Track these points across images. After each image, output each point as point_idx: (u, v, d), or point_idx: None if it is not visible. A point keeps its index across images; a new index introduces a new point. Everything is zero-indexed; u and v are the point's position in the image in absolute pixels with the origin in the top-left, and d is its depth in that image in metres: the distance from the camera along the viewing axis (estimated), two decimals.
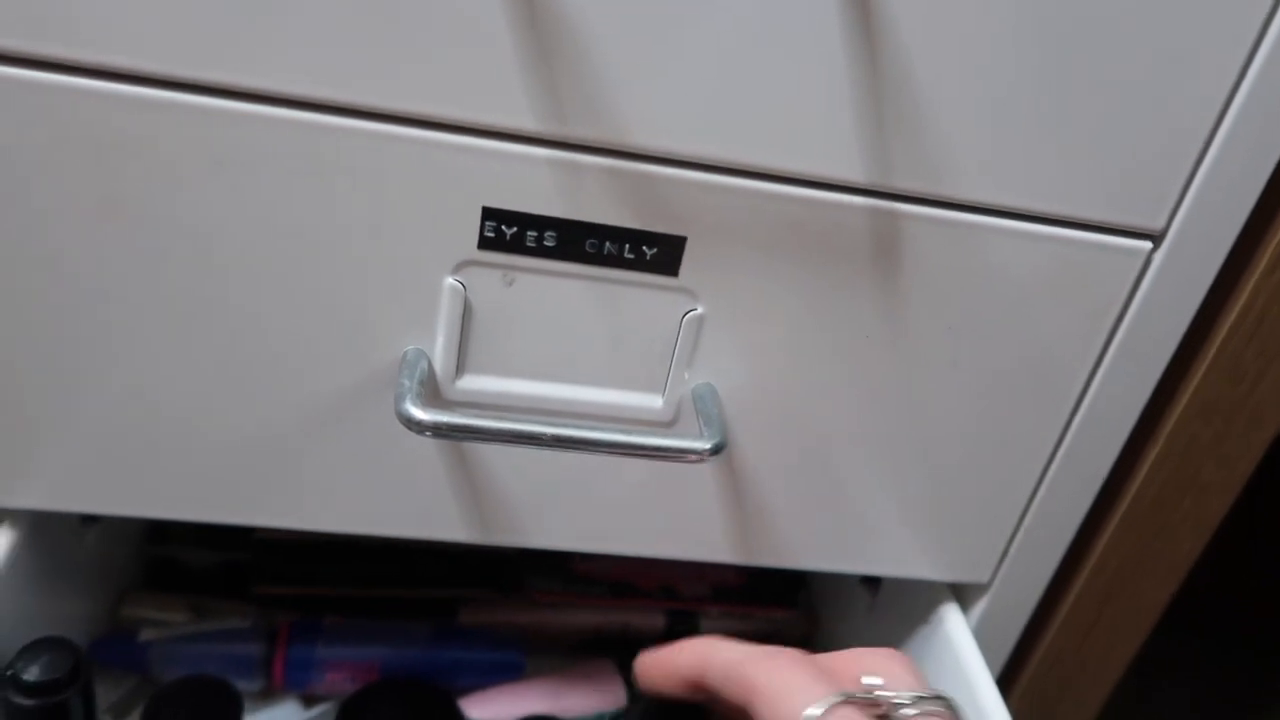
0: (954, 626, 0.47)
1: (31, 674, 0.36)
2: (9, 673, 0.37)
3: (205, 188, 0.32)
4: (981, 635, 0.48)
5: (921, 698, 0.30)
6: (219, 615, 0.55)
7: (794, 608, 0.62)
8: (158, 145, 0.32)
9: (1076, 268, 0.38)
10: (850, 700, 0.28)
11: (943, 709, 0.30)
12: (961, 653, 0.46)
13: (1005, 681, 0.54)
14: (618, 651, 0.58)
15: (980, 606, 0.48)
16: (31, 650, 0.37)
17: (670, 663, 0.34)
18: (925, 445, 0.42)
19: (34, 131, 0.31)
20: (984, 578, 0.47)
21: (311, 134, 0.32)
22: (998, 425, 0.42)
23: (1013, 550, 0.46)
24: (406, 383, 0.35)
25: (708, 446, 0.35)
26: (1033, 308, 0.38)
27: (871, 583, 0.56)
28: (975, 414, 0.41)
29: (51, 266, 0.33)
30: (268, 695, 0.52)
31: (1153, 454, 0.45)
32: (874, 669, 0.31)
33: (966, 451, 0.42)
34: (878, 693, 0.29)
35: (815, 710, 0.28)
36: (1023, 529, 0.45)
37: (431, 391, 0.37)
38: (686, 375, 0.38)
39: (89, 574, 0.49)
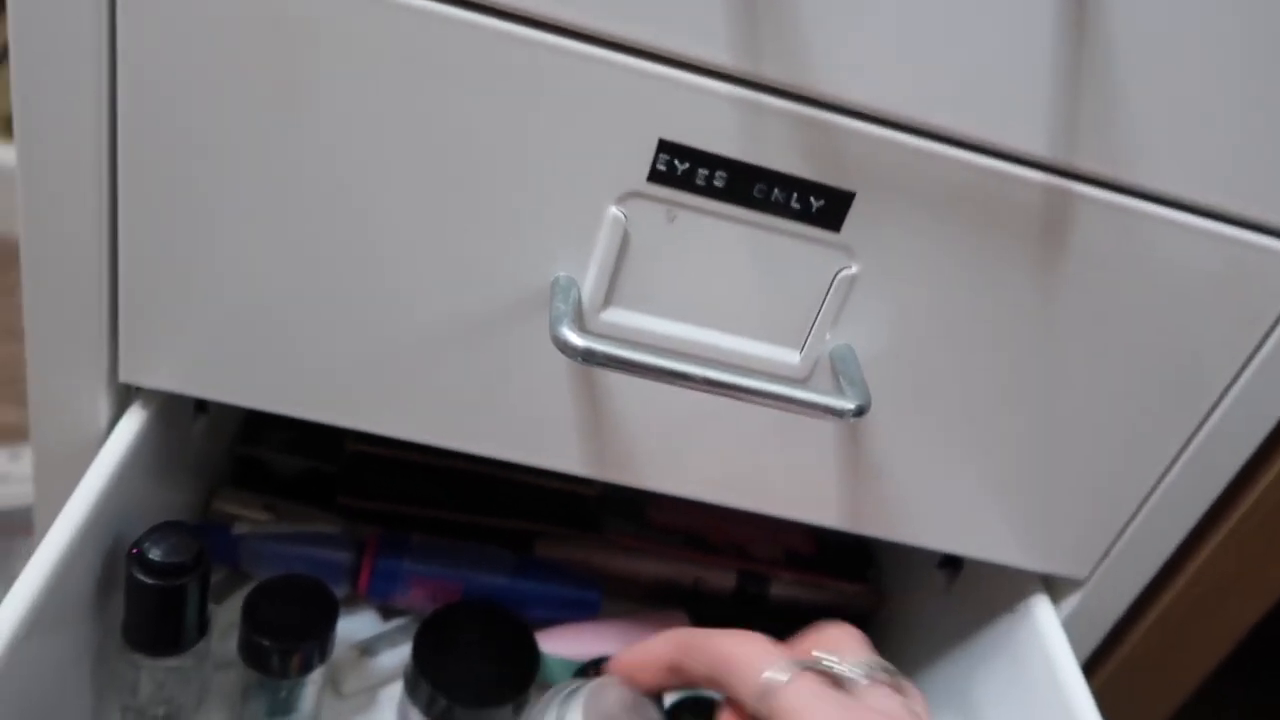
0: (1044, 618, 0.47)
1: (157, 554, 0.37)
2: (135, 551, 0.37)
3: (388, 84, 0.32)
4: (1067, 630, 0.48)
5: (871, 669, 0.33)
6: (302, 519, 0.56)
7: (864, 581, 0.62)
8: (346, 34, 0.31)
9: (1241, 270, 0.37)
10: (809, 668, 0.32)
11: (889, 679, 0.33)
12: (1051, 645, 0.46)
13: None
14: (689, 604, 0.58)
15: (1071, 602, 0.48)
16: (158, 532, 0.38)
17: (649, 652, 0.37)
18: (1052, 433, 0.41)
19: (229, 9, 0.31)
20: (1082, 574, 0.46)
21: (504, 43, 0.32)
22: (1128, 423, 0.41)
23: (1115, 551, 0.46)
24: (562, 306, 0.34)
25: (851, 407, 0.35)
26: (1189, 306, 0.38)
27: (950, 566, 0.56)
28: (1108, 409, 0.40)
29: (214, 149, 0.33)
30: (349, 603, 0.53)
31: (1272, 474, 0.45)
32: (828, 645, 0.34)
33: (1092, 445, 0.42)
34: (830, 664, 0.33)
35: (778, 675, 0.32)
36: (1130, 531, 0.45)
37: (577, 319, 0.37)
38: (829, 335, 0.38)
39: (191, 465, 0.50)
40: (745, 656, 0.33)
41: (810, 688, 0.32)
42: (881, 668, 0.34)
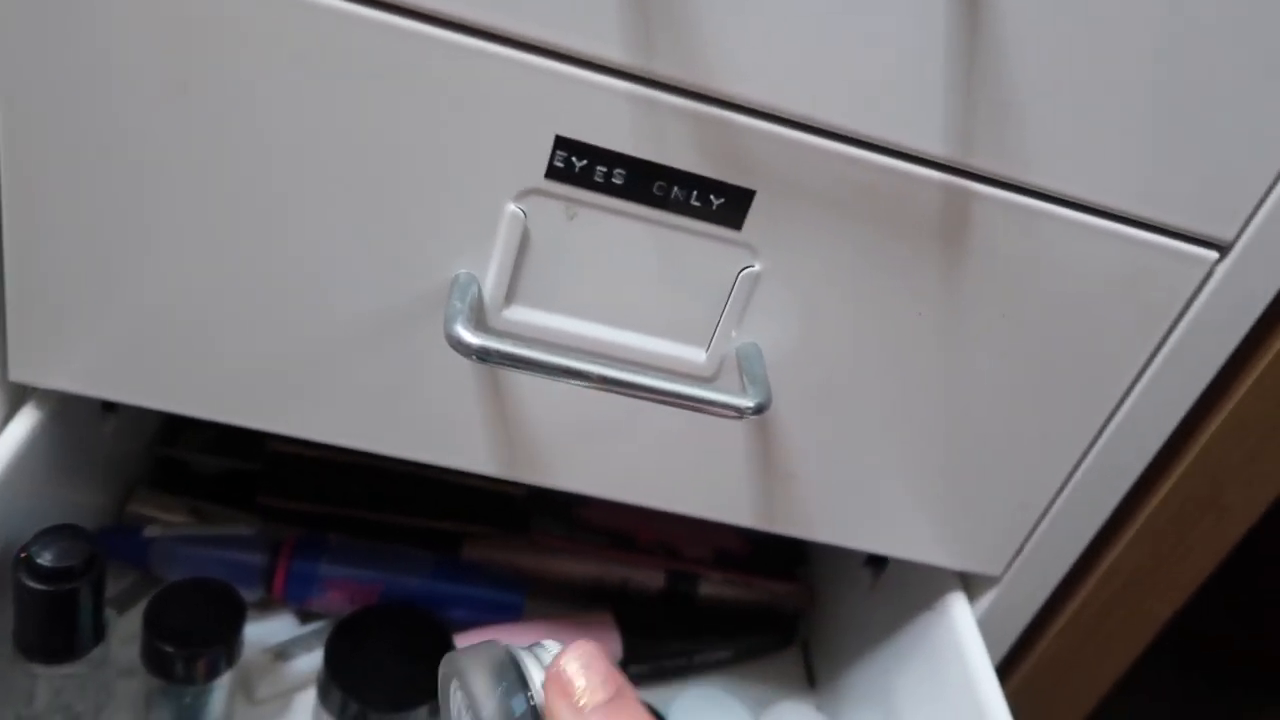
0: (959, 615, 0.47)
1: (45, 559, 0.36)
2: (23, 555, 0.36)
3: (280, 80, 0.32)
4: (984, 628, 0.48)
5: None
6: (220, 521, 0.55)
7: (794, 580, 0.62)
8: (237, 29, 0.31)
9: (1141, 270, 0.37)
10: None
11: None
12: (964, 642, 0.46)
13: (1000, 676, 0.54)
14: (617, 604, 0.58)
15: (987, 599, 0.48)
16: (47, 536, 0.37)
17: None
18: (960, 432, 0.41)
19: (114, 3, 0.30)
20: (996, 570, 0.47)
21: (397, 38, 0.31)
22: (1034, 421, 0.41)
23: (1028, 548, 0.46)
24: (458, 304, 0.34)
25: (751, 405, 0.35)
26: (1091, 306, 0.38)
27: (875, 565, 0.56)
28: (1014, 407, 0.41)
29: (109, 147, 0.33)
30: (265, 606, 0.52)
31: (1180, 469, 0.45)
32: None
33: (999, 444, 0.42)
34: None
35: None
36: (1041, 527, 0.45)
37: (477, 317, 0.36)
38: (734, 333, 0.38)
39: (101, 466, 0.49)
40: None
41: None
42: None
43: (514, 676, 0.28)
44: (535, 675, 0.28)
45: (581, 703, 0.27)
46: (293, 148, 0.33)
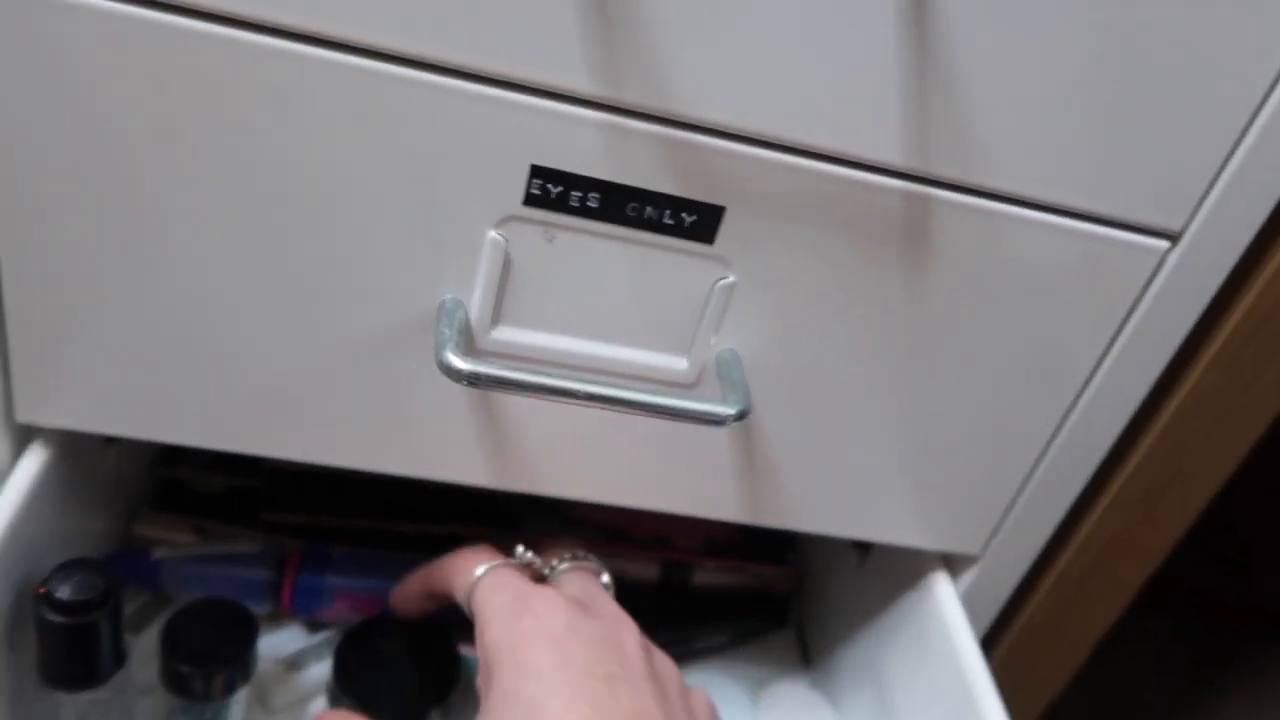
0: (943, 593, 0.49)
1: (64, 593, 0.38)
2: (42, 590, 0.38)
3: (261, 124, 0.33)
4: (967, 603, 0.50)
5: (573, 560, 0.41)
6: (224, 539, 0.56)
7: (784, 564, 0.64)
8: (217, 78, 0.32)
9: (1096, 262, 0.39)
10: (507, 564, 0.39)
11: (590, 564, 0.42)
12: (949, 619, 0.48)
13: (985, 648, 0.56)
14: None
15: (969, 576, 0.50)
16: (64, 570, 0.38)
17: (405, 586, 0.46)
18: (932, 422, 0.43)
19: (98, 57, 0.31)
20: (975, 550, 0.49)
21: (371, 81, 0.32)
22: (1003, 408, 0.43)
23: (1004, 526, 0.48)
24: (446, 331, 0.35)
25: (732, 412, 0.37)
26: (1049, 298, 0.40)
27: (861, 546, 0.58)
28: (982, 395, 0.43)
29: (99, 192, 0.34)
30: (274, 619, 0.54)
31: (1147, 444, 0.47)
32: (544, 546, 0.43)
33: (970, 431, 0.44)
34: (527, 559, 0.41)
35: (479, 570, 0.38)
36: (1016, 507, 0.47)
37: (465, 340, 0.38)
38: (713, 341, 0.40)
39: (106, 493, 0.50)
40: (462, 562, 0.40)
41: (498, 578, 0.38)
42: (577, 557, 0.42)
43: None
44: None
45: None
46: (279, 187, 0.34)
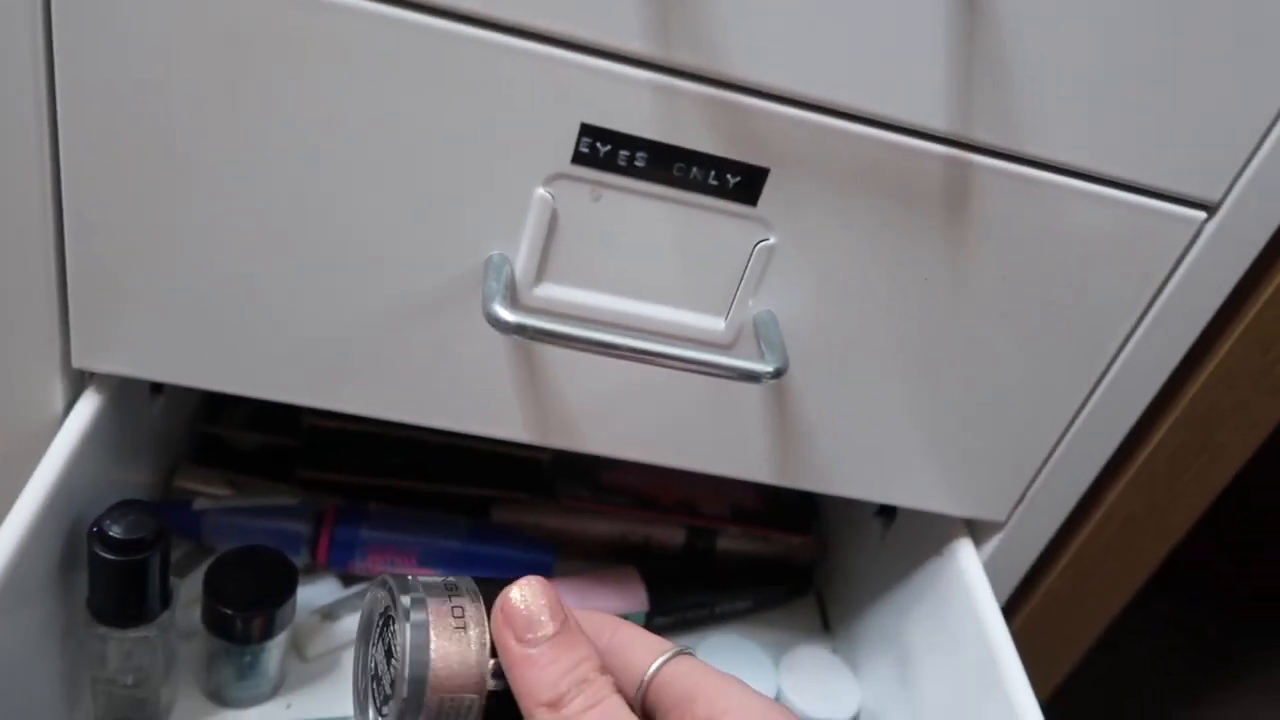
0: (967, 560, 0.50)
1: (118, 532, 0.39)
2: (96, 529, 0.39)
3: (324, 79, 0.34)
4: (990, 571, 0.51)
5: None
6: (261, 494, 0.57)
7: (807, 533, 0.65)
8: (283, 33, 0.33)
9: (1134, 231, 0.39)
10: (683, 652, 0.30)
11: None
12: (972, 585, 0.49)
13: (1005, 615, 0.57)
14: (640, 561, 0.61)
15: (992, 544, 0.51)
16: (118, 510, 0.39)
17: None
18: (964, 389, 0.44)
19: (174, 14, 0.32)
20: (1001, 516, 0.50)
21: (430, 37, 0.33)
22: (1034, 376, 0.44)
23: (1030, 494, 0.49)
24: (494, 284, 0.36)
25: (770, 369, 0.38)
26: (1086, 267, 0.40)
27: (885, 515, 0.59)
28: (1015, 363, 0.43)
29: (163, 145, 0.35)
30: (309, 571, 0.55)
31: (1173, 417, 0.48)
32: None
33: (1001, 398, 0.44)
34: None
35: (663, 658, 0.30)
36: (1043, 475, 0.48)
37: (510, 296, 0.39)
38: (751, 302, 0.40)
39: (150, 445, 0.52)
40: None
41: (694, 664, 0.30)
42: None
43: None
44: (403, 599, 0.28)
45: (528, 635, 0.27)
46: (336, 142, 0.35)
